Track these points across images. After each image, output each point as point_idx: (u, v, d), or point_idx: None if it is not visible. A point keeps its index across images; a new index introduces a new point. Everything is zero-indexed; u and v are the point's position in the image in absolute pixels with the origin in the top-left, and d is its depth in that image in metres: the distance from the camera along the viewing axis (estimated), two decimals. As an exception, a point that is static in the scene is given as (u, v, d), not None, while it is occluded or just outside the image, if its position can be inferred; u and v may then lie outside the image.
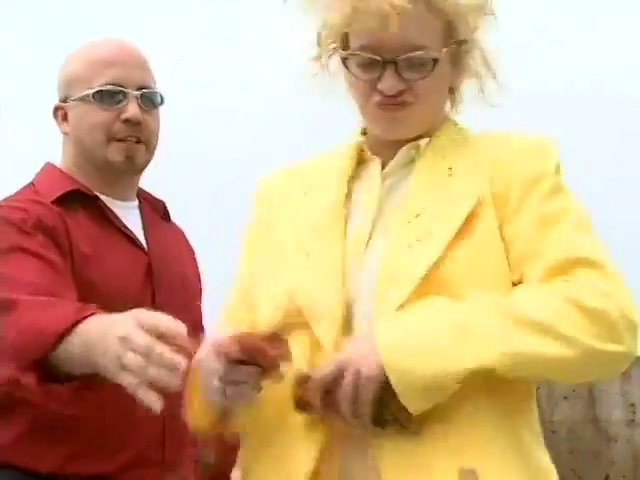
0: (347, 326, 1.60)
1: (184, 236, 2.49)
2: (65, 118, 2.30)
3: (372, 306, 1.58)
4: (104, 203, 2.27)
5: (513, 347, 1.49)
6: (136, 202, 2.36)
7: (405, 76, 1.63)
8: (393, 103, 1.64)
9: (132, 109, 2.24)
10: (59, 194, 2.21)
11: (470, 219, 1.60)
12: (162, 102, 2.32)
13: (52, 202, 2.19)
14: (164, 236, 2.37)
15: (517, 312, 1.51)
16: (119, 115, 2.24)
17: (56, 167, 2.34)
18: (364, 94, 1.66)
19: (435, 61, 1.63)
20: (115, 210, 2.28)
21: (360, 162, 1.75)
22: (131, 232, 2.27)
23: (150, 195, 2.42)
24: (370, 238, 1.65)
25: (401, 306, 1.55)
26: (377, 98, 1.65)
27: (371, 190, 1.70)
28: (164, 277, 2.27)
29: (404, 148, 1.69)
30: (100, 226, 2.24)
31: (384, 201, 1.68)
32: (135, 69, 2.27)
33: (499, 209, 1.62)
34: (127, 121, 2.23)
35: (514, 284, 1.59)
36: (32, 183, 2.29)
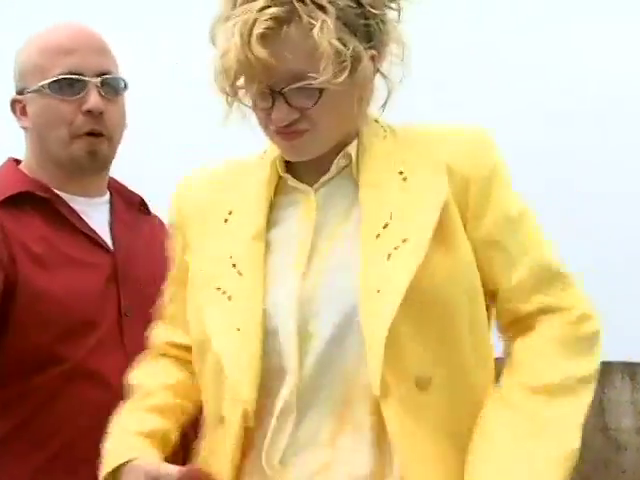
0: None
1: (165, 231, 2.38)
2: (24, 112, 2.18)
3: (356, 327, 1.53)
4: (62, 202, 2.15)
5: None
6: (106, 197, 2.24)
7: (295, 105, 1.54)
8: (288, 132, 1.57)
9: (93, 99, 2.11)
10: (5, 197, 2.10)
11: (440, 223, 1.57)
12: (126, 88, 2.18)
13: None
14: (136, 233, 2.24)
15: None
16: (80, 106, 2.11)
17: (14, 164, 2.22)
18: (262, 122, 1.60)
19: (321, 90, 1.54)
20: (77, 208, 2.16)
21: (279, 176, 1.67)
22: (92, 231, 2.15)
23: (125, 188, 2.30)
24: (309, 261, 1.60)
25: (393, 321, 1.50)
26: (273, 127, 1.58)
27: (302, 213, 1.63)
28: (130, 277, 2.15)
29: (335, 161, 1.62)
30: (55, 227, 2.12)
31: (318, 217, 1.62)
32: (93, 55, 2.13)
33: (460, 211, 1.60)
34: (88, 112, 2.11)
35: (489, 293, 1.62)
36: None
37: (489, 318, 1.64)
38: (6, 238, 2.04)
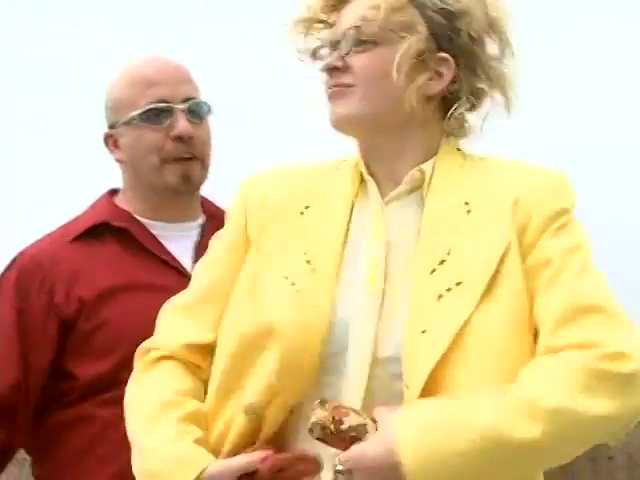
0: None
1: None
2: (116, 145, 2.28)
3: (400, 364, 1.53)
4: (140, 229, 2.24)
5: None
6: (198, 221, 2.32)
7: (343, 50, 1.65)
8: (335, 87, 1.66)
9: (181, 124, 2.21)
10: (82, 230, 2.22)
11: (499, 266, 1.55)
12: (210, 111, 2.28)
13: (75, 238, 2.21)
14: None
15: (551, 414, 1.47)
16: (169, 133, 2.21)
17: (109, 195, 2.33)
18: (324, 85, 1.69)
19: (362, 41, 1.64)
20: (159, 233, 2.26)
21: (361, 182, 1.69)
22: (169, 255, 2.23)
23: (219, 210, 2.33)
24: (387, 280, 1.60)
25: (436, 364, 1.49)
26: (328, 85, 1.67)
27: (373, 222, 1.64)
28: None
29: (410, 173, 1.64)
30: (130, 254, 2.22)
31: (388, 233, 1.63)
32: (177, 83, 2.24)
33: (520, 246, 1.58)
34: (178, 138, 2.21)
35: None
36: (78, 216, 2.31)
37: None
38: (72, 276, 2.17)
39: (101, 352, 2.14)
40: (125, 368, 2.06)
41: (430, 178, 1.63)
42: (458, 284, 1.52)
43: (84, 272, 2.19)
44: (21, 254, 2.24)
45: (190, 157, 2.22)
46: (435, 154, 1.65)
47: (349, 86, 1.64)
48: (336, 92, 1.65)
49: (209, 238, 2.24)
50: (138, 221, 2.26)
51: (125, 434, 2.06)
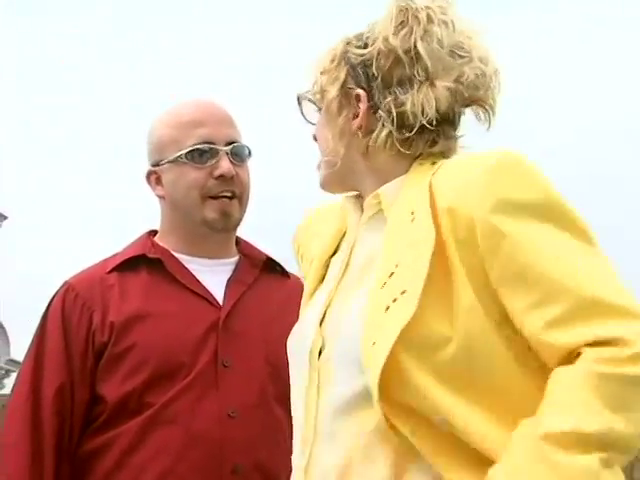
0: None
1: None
2: (159, 182, 2.38)
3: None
4: (175, 262, 2.33)
5: None
6: (234, 259, 2.40)
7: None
8: None
9: (224, 164, 2.30)
10: (119, 262, 2.32)
11: (436, 267, 1.53)
12: (250, 155, 2.38)
13: (111, 270, 2.31)
14: (253, 290, 2.37)
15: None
16: (212, 172, 2.30)
17: (148, 234, 2.42)
18: None
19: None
20: (194, 267, 2.34)
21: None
22: (202, 288, 2.31)
23: (253, 248, 2.44)
24: (332, 298, 1.69)
25: (382, 373, 1.50)
26: None
27: (346, 247, 1.74)
28: (234, 331, 2.28)
29: (367, 199, 1.71)
30: (163, 284, 2.31)
31: (352, 256, 1.71)
32: (222, 126, 2.34)
33: (468, 253, 1.54)
34: (220, 177, 2.30)
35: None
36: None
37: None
38: (105, 304, 2.26)
39: (128, 373, 2.21)
40: (150, 390, 2.20)
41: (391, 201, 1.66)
42: (403, 292, 1.53)
43: (116, 299, 2.27)
44: (65, 284, 2.34)
45: (230, 196, 2.31)
46: (405, 172, 1.67)
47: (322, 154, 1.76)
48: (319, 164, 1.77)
49: (243, 274, 2.38)
50: (172, 255, 2.35)
51: (145, 459, 2.16)
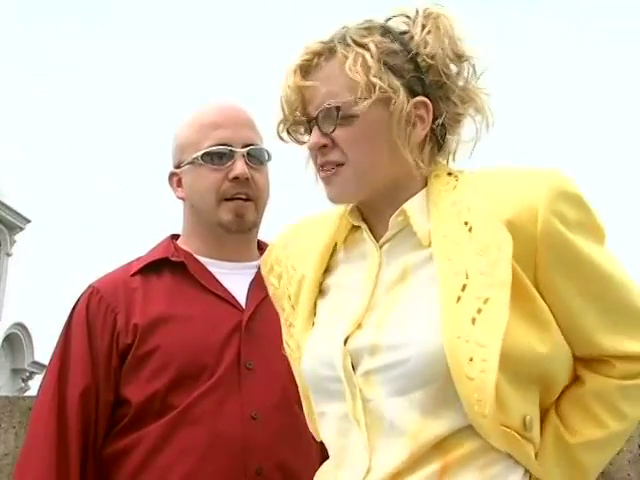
0: None
1: None
2: (179, 184, 2.40)
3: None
4: (197, 265, 2.34)
5: None
6: (255, 262, 2.37)
7: (324, 129, 1.64)
8: (324, 165, 1.66)
9: (239, 166, 2.31)
10: (142, 265, 2.34)
11: (513, 279, 1.55)
12: (269, 159, 2.38)
13: (135, 273, 2.33)
14: None
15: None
16: (227, 174, 2.31)
17: (170, 238, 2.44)
18: (314, 165, 1.70)
19: (345, 116, 1.63)
20: (215, 270, 2.35)
21: (349, 229, 1.74)
22: (224, 290, 2.32)
23: None
24: (364, 316, 1.64)
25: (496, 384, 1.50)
26: (317, 165, 1.68)
27: (368, 267, 1.68)
28: (257, 333, 2.28)
29: (391, 218, 1.65)
30: (185, 287, 2.32)
31: (382, 278, 1.66)
32: (240, 128, 2.35)
33: (529, 269, 1.58)
34: (235, 179, 2.30)
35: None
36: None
37: None
38: (129, 306, 2.28)
39: (151, 375, 2.22)
40: (173, 391, 2.20)
41: (425, 212, 1.64)
42: (486, 301, 1.52)
43: (140, 302, 2.29)
44: (89, 287, 2.35)
45: (245, 198, 2.31)
46: (424, 185, 1.67)
47: (340, 164, 1.64)
48: (329, 174, 1.65)
49: (261, 278, 2.37)
50: (195, 258, 2.36)
51: (170, 460, 2.17)
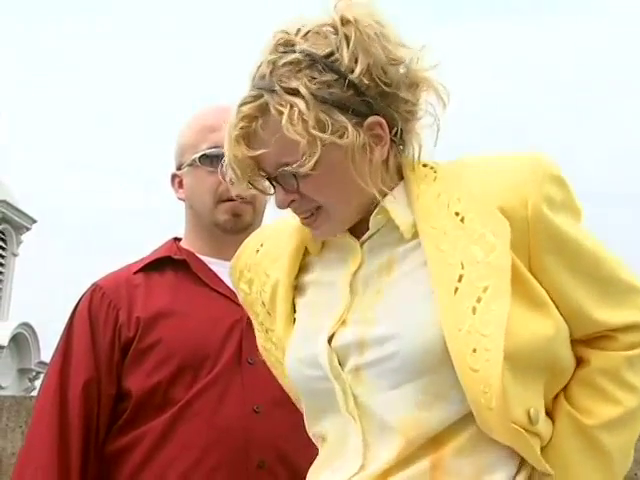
0: None
1: None
2: (181, 185, 2.46)
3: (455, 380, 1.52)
4: (199, 264, 2.38)
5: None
6: None
7: (287, 187, 1.61)
8: (302, 215, 1.65)
9: None
10: (146, 262, 2.39)
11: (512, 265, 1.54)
12: None
13: (137, 271, 2.37)
14: None
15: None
16: (224, 177, 2.34)
17: (173, 239, 2.48)
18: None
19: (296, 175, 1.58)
20: (216, 269, 2.38)
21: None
22: (225, 288, 2.33)
23: None
24: (348, 311, 1.63)
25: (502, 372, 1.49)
26: (297, 217, 1.68)
27: (348, 265, 1.66)
28: None
29: (372, 217, 1.63)
30: (187, 284, 2.36)
31: (364, 273, 1.65)
32: None
33: (523, 253, 1.57)
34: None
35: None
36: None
37: None
38: (132, 301, 2.32)
39: (154, 367, 2.26)
40: (175, 384, 2.24)
41: (410, 200, 1.62)
42: (485, 289, 1.52)
43: (142, 296, 2.33)
44: (92, 285, 2.40)
45: (242, 198, 2.34)
46: (401, 178, 1.64)
47: (317, 207, 1.62)
48: (310, 221, 1.64)
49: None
50: (197, 256, 2.41)
51: (172, 455, 2.20)
